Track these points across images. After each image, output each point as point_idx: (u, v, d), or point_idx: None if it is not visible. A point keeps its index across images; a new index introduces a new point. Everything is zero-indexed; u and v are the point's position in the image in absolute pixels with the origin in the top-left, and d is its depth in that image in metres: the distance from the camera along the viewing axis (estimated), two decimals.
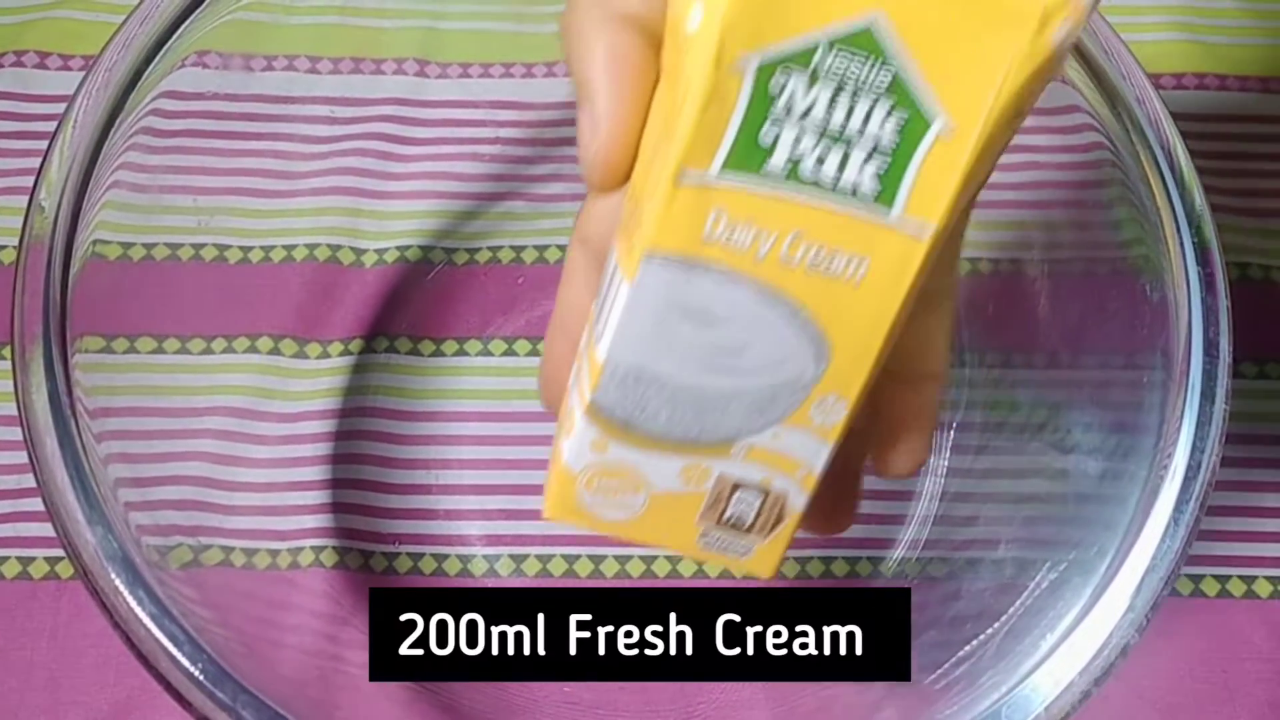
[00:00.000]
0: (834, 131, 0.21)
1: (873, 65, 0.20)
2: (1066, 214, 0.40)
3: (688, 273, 0.22)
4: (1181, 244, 0.32)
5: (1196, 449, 0.30)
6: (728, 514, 0.26)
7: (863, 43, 0.20)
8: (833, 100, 0.21)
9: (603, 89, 0.23)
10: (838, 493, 0.27)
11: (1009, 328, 0.42)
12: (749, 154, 0.21)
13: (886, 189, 0.21)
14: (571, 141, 0.25)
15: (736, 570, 0.27)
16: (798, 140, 0.21)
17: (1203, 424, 0.30)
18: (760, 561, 0.27)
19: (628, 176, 0.24)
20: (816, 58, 0.20)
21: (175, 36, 0.35)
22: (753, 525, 0.26)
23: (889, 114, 0.21)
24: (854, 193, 0.21)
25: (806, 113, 0.21)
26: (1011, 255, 0.43)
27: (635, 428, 0.25)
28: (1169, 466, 0.30)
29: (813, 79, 0.21)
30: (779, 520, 0.26)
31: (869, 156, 0.21)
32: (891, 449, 0.28)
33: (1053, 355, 0.40)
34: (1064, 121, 0.36)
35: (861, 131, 0.21)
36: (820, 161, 0.21)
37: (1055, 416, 0.39)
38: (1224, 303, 0.31)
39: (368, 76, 0.47)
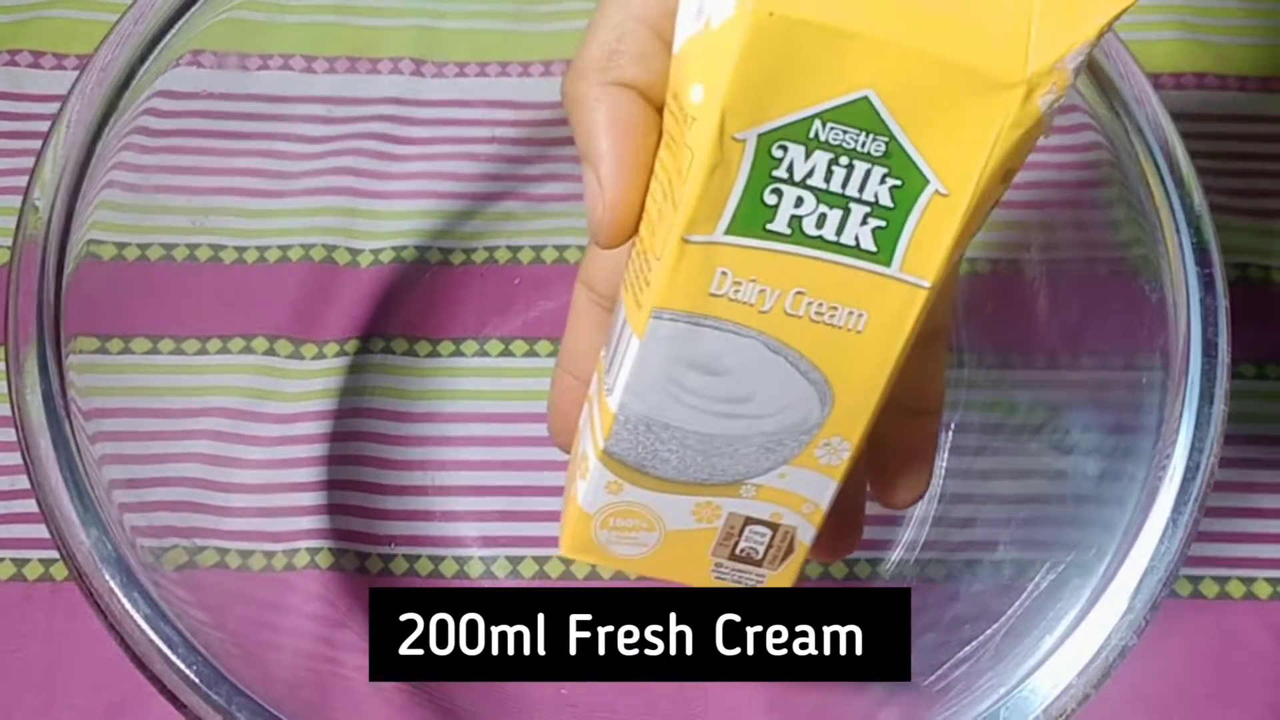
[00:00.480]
0: (833, 194, 0.22)
1: (866, 136, 0.21)
2: (1065, 214, 0.40)
3: (695, 327, 0.23)
4: (1180, 244, 0.32)
5: (1195, 449, 0.30)
6: (740, 548, 0.27)
7: (855, 117, 0.21)
8: (830, 166, 0.22)
9: (606, 154, 0.24)
10: (841, 521, 0.28)
11: (1008, 328, 0.42)
12: (752, 216, 0.22)
13: (884, 247, 0.22)
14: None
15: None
16: (799, 202, 0.22)
17: (1201, 425, 0.30)
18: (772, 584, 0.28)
19: (633, 233, 0.25)
20: (813, 130, 0.21)
21: (170, 35, 0.35)
22: (764, 558, 0.27)
23: (884, 179, 0.22)
24: (854, 250, 0.22)
25: (807, 177, 0.22)
26: (1010, 256, 0.43)
27: (648, 471, 0.26)
28: (1168, 467, 0.30)
29: (810, 148, 0.21)
30: (789, 552, 0.27)
31: (866, 217, 0.22)
32: (893, 482, 0.29)
33: (1051, 356, 0.40)
34: (1063, 121, 0.36)
35: (859, 194, 0.22)
36: (821, 221, 0.22)
37: (1054, 417, 0.39)
38: (1223, 303, 0.31)
39: (363, 76, 0.47)
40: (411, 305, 0.45)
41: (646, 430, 0.25)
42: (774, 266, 0.23)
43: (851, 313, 0.23)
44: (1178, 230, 0.32)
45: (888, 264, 0.22)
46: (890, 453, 0.29)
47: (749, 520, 0.27)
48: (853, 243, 0.22)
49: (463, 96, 0.47)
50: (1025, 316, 0.41)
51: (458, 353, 0.44)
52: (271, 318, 0.44)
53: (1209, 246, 0.32)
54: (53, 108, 0.33)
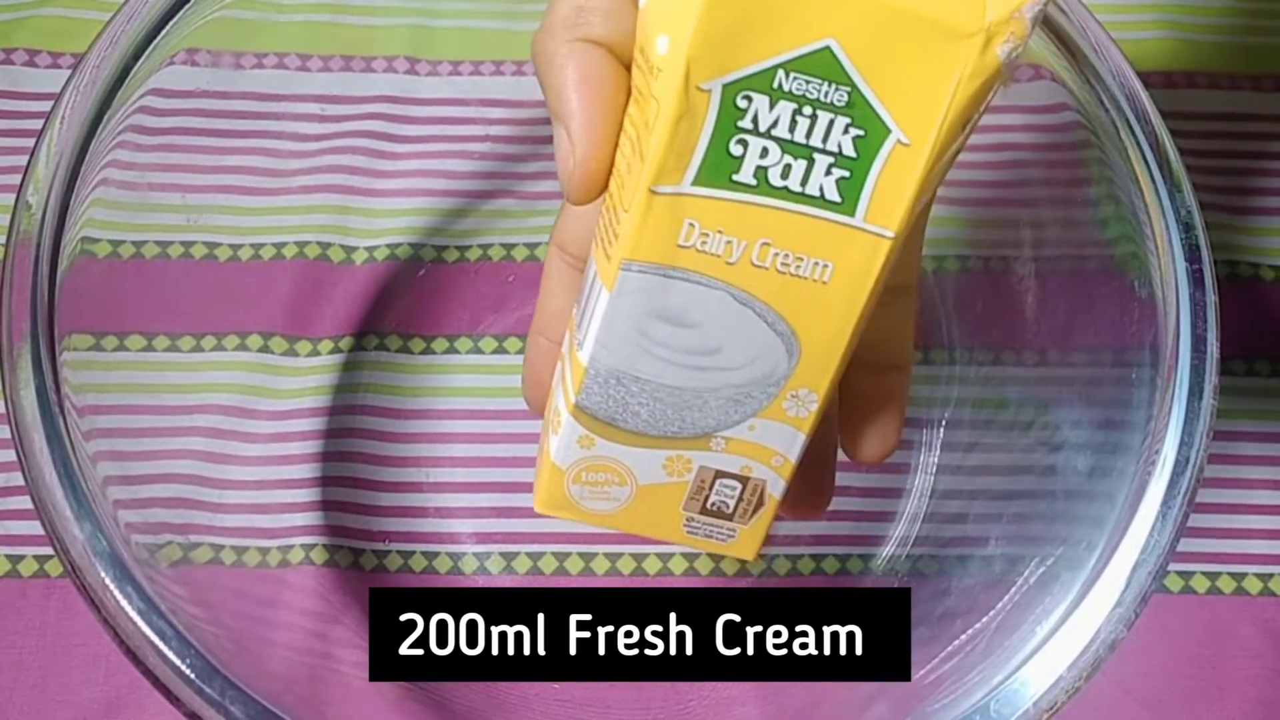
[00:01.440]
0: (797, 144, 0.22)
1: (829, 86, 0.22)
2: (1055, 211, 0.40)
3: (664, 279, 0.24)
4: (1170, 241, 0.32)
5: (1184, 444, 0.30)
6: (710, 502, 0.27)
7: (817, 67, 0.22)
8: (794, 116, 0.22)
9: (576, 111, 0.24)
10: (813, 478, 0.29)
11: (998, 325, 0.42)
12: (719, 166, 0.22)
13: (848, 197, 0.23)
14: None
15: (721, 553, 0.29)
16: (764, 153, 0.22)
17: (1190, 419, 0.30)
18: (743, 545, 0.29)
19: (604, 189, 0.25)
20: (776, 80, 0.22)
21: (163, 33, 0.35)
22: (734, 511, 0.28)
23: (847, 129, 0.22)
24: (818, 201, 0.23)
25: (771, 128, 0.22)
26: (1000, 253, 0.43)
27: (619, 425, 0.26)
28: (1157, 462, 0.30)
29: (774, 99, 0.22)
30: (759, 506, 0.28)
31: (830, 167, 0.22)
32: (861, 435, 0.29)
33: (1042, 352, 0.40)
34: (1053, 119, 0.36)
35: (823, 144, 0.22)
36: (786, 172, 0.22)
37: (1044, 413, 0.39)
38: (1212, 299, 0.31)
39: (358, 74, 0.47)
40: (405, 302, 0.45)
41: (617, 384, 0.25)
42: (740, 218, 0.23)
43: (817, 264, 0.23)
44: (1167, 227, 0.33)
45: (852, 214, 0.23)
46: (859, 407, 0.29)
47: (719, 474, 0.27)
48: (817, 193, 0.23)
49: (457, 95, 0.48)
50: (1015, 313, 0.41)
51: (452, 350, 0.44)
52: (266, 315, 0.44)
53: (1199, 243, 0.32)
54: (47, 105, 0.34)
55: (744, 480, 0.27)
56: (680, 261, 0.23)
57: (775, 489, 0.27)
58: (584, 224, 0.27)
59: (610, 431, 0.26)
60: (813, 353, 0.25)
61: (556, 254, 0.29)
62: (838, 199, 0.23)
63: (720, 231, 0.23)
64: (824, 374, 0.25)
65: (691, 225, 0.23)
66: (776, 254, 0.23)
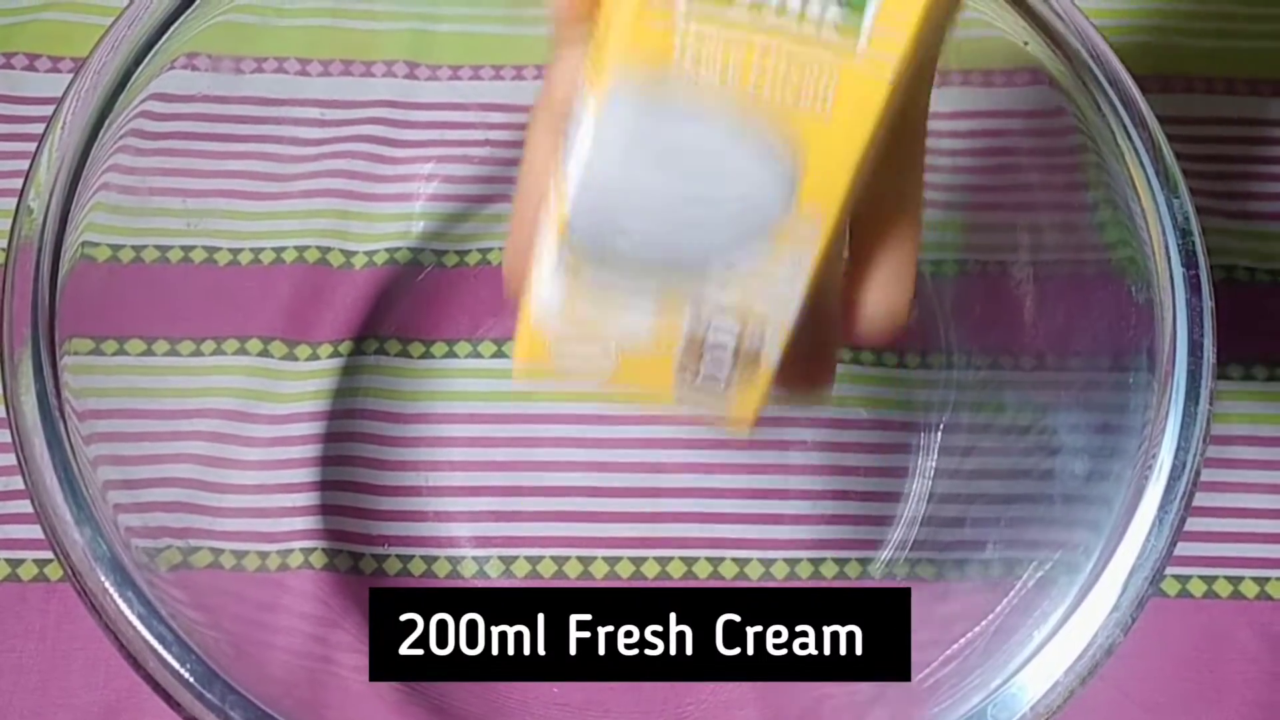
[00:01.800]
0: None
1: None
2: (1053, 216, 0.40)
3: (656, 101, 0.22)
4: (1167, 246, 0.33)
5: (1181, 449, 0.30)
6: (702, 365, 0.25)
7: None
8: None
9: None
10: (812, 351, 0.27)
11: (996, 329, 0.42)
12: None
13: (851, 22, 0.22)
14: None
15: (714, 422, 0.27)
16: None
17: (1187, 424, 0.30)
18: (736, 413, 0.26)
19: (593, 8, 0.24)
20: None
21: (164, 38, 0.35)
22: (727, 376, 0.26)
23: None
24: (819, 24, 0.22)
25: None
26: (998, 257, 0.43)
27: (606, 267, 0.24)
28: (1154, 467, 0.30)
29: None
30: (754, 370, 0.26)
31: None
32: (866, 297, 0.27)
33: (1039, 357, 0.40)
34: (1050, 124, 0.36)
35: None
36: None
37: (1042, 417, 0.39)
38: (1208, 304, 0.32)
39: (357, 79, 0.47)
40: (405, 307, 0.45)
41: (605, 220, 0.23)
42: (737, 40, 0.22)
43: (818, 93, 0.22)
44: (1164, 232, 0.33)
45: (854, 42, 0.22)
46: (864, 264, 0.27)
47: (711, 332, 0.25)
48: (818, 18, 0.22)
49: (456, 99, 0.48)
50: (1013, 318, 0.41)
51: (451, 354, 0.44)
52: (266, 319, 0.44)
53: (1195, 248, 0.32)
54: (48, 110, 0.34)
55: (738, 339, 0.25)
56: (672, 85, 0.22)
57: (771, 349, 0.25)
58: (572, 82, 0.26)
59: (595, 291, 0.24)
60: (814, 189, 0.23)
61: (544, 117, 0.27)
62: (841, 22, 0.22)
63: (715, 54, 0.22)
64: (826, 214, 0.23)
65: (684, 42, 0.22)
66: (775, 82, 0.22)
